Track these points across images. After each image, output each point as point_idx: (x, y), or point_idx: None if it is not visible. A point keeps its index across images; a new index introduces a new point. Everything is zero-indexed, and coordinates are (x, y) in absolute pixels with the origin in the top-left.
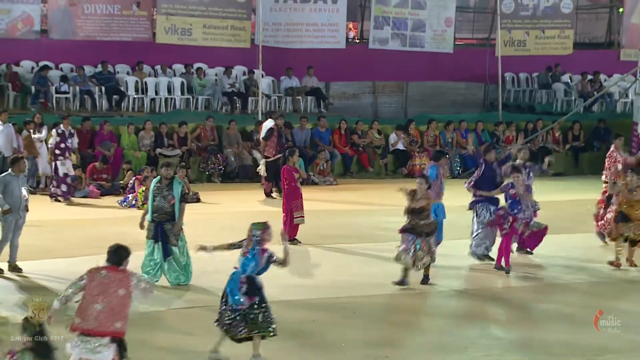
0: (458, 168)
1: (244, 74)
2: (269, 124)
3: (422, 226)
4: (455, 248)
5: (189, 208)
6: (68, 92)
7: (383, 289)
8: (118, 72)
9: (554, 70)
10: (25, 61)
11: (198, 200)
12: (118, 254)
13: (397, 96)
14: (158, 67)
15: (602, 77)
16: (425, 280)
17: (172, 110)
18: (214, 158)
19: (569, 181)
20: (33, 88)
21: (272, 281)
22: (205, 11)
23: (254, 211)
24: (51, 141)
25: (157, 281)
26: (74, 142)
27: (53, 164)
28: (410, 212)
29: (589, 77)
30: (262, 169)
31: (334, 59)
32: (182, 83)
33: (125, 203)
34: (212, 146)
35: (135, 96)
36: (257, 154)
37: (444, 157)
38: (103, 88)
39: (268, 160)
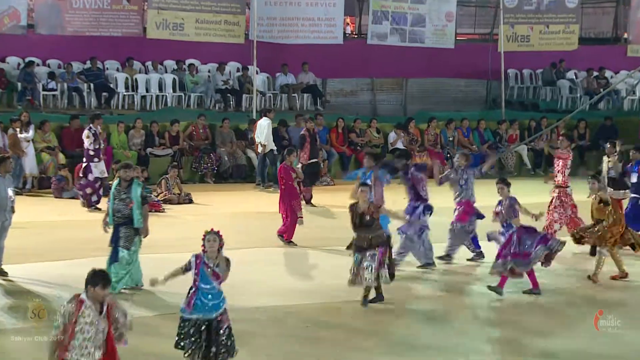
0: None
1: (238, 70)
2: (264, 122)
3: (372, 240)
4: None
5: (182, 209)
6: (56, 89)
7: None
8: (107, 69)
9: (558, 67)
10: (11, 57)
11: (190, 202)
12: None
13: (397, 93)
14: (149, 63)
15: (609, 73)
16: (378, 297)
17: (163, 107)
18: (207, 157)
19: (575, 182)
20: (19, 85)
21: (269, 284)
22: (197, 5)
23: (249, 212)
24: (86, 143)
25: (141, 285)
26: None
27: (84, 166)
28: (358, 225)
29: (595, 73)
30: (299, 174)
31: (331, 55)
32: (174, 80)
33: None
34: (205, 145)
35: (125, 93)
36: (251, 153)
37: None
38: (92, 85)
39: (304, 164)
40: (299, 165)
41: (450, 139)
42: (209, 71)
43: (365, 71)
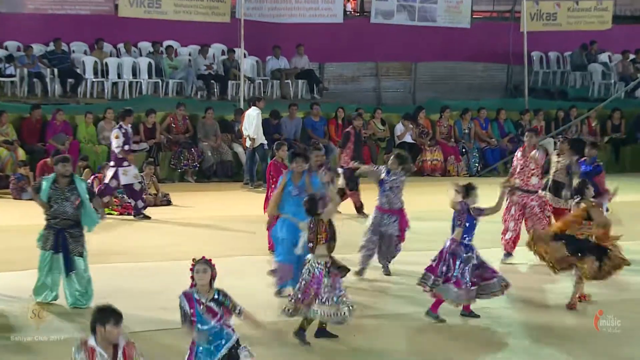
0: (477, 165)
1: (223, 53)
2: (252, 112)
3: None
4: None
5: (159, 212)
6: (14, 75)
7: (386, 307)
8: (74, 52)
9: (589, 49)
10: None
11: (169, 203)
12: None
13: (404, 79)
14: (121, 45)
15: None
16: (317, 333)
17: (137, 96)
18: (188, 153)
19: (609, 179)
20: None
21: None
22: None
23: (235, 215)
24: (115, 143)
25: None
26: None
27: (112, 170)
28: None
29: (631, 56)
30: (340, 181)
31: (330, 36)
32: (150, 64)
33: None
34: (185, 139)
35: (94, 80)
36: (238, 148)
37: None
38: (56, 70)
39: (345, 168)
40: (340, 170)
41: (466, 131)
42: (189, 54)
43: (369, 54)
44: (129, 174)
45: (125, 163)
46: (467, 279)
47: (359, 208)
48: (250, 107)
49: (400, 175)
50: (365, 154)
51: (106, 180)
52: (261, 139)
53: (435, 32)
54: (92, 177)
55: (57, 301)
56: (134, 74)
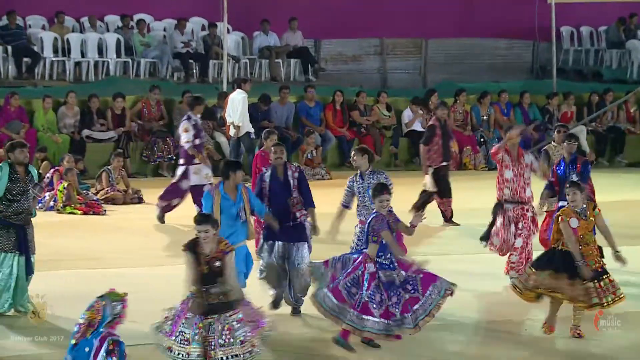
0: None
1: (203, 28)
2: (237, 96)
3: (214, 300)
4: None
5: (129, 211)
6: None
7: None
8: (30, 27)
9: (628, 23)
10: None
11: (140, 201)
12: None
13: (414, 59)
14: (84, 19)
15: None
16: None
17: (104, 78)
18: (162, 143)
19: None
20: None
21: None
22: None
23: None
24: (185, 137)
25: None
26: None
27: (182, 169)
28: (200, 278)
29: None
30: (428, 183)
31: (327, 9)
32: (118, 41)
33: (40, 204)
34: (160, 127)
35: (53, 59)
36: (221, 137)
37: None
38: (9, 48)
39: (435, 168)
40: (430, 169)
41: (485, 117)
42: (164, 29)
43: (372, 29)
44: (201, 174)
45: (196, 161)
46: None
47: (449, 218)
48: (234, 89)
49: (379, 174)
50: (368, 142)
51: (174, 180)
52: (247, 127)
53: (450, 3)
54: (52, 170)
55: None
56: (100, 53)
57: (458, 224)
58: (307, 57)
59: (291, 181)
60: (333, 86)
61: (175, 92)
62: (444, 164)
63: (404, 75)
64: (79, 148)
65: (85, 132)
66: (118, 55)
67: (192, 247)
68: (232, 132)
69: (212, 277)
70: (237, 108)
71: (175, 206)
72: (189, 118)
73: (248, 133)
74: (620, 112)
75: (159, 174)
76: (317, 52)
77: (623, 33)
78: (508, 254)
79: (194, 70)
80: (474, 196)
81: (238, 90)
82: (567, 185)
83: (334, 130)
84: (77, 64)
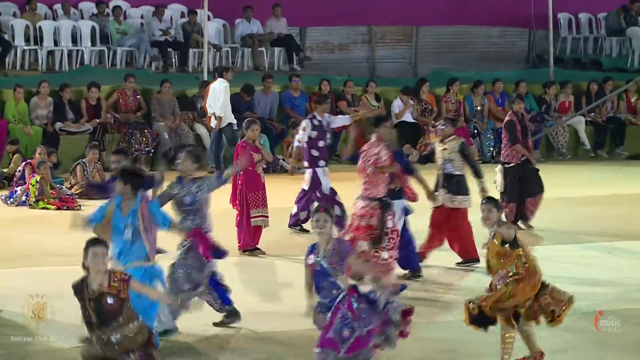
0: (492, 149)
1: (182, 15)
2: (219, 85)
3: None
4: None
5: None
6: None
7: None
8: (0, 14)
9: (629, 9)
10: None
11: None
12: None
13: (404, 48)
14: (58, 6)
15: None
16: None
17: (78, 67)
18: (140, 135)
19: None
20: None
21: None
22: None
23: None
24: (299, 136)
25: None
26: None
27: (309, 173)
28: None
29: None
30: (499, 182)
31: None
32: (93, 29)
33: (12, 199)
34: (137, 118)
35: (25, 47)
36: (201, 129)
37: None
38: None
39: (508, 166)
40: (499, 168)
41: (479, 108)
42: (141, 17)
43: (360, 17)
44: (328, 177)
45: (322, 163)
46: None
47: (528, 216)
48: (215, 79)
49: (203, 187)
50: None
51: (305, 187)
52: (229, 118)
53: None
54: (24, 163)
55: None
56: (74, 41)
57: (532, 227)
58: (291, 45)
59: None
60: (319, 75)
61: (153, 82)
62: (517, 161)
63: (393, 64)
64: (52, 140)
65: (59, 124)
66: (93, 43)
67: (79, 285)
68: (213, 123)
69: (106, 319)
70: (218, 98)
71: (299, 219)
72: (312, 117)
73: (230, 124)
74: (620, 101)
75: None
76: (302, 41)
77: (623, 20)
78: None
79: (173, 60)
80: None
81: (219, 80)
82: (483, 202)
83: None
84: (50, 53)
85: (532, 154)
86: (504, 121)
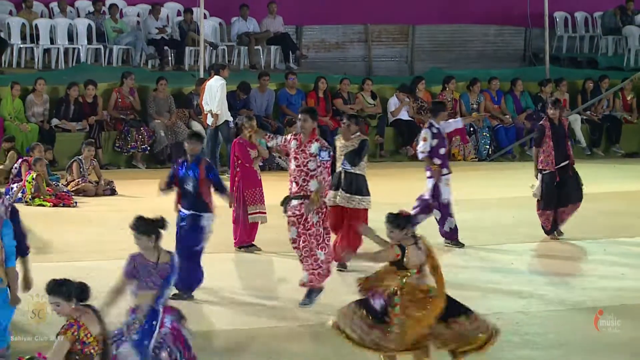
0: (488, 147)
1: (179, 14)
2: (215, 83)
3: None
4: None
5: (101, 203)
6: None
7: None
8: None
9: (625, 8)
10: None
11: (113, 193)
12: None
13: (400, 46)
14: (54, 4)
15: None
16: None
17: (75, 65)
18: (136, 133)
19: None
20: None
21: (221, 301)
22: None
23: None
24: (421, 147)
25: None
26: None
27: (431, 182)
28: None
29: None
30: (536, 188)
31: None
32: (89, 27)
33: (8, 196)
34: (133, 116)
35: (21, 45)
36: (197, 126)
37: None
38: None
39: (544, 173)
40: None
41: (475, 105)
42: (138, 15)
43: (357, 15)
44: (450, 186)
45: (445, 170)
46: None
47: (550, 231)
48: (212, 76)
49: None
50: None
51: (426, 196)
52: (226, 116)
53: None
54: (20, 160)
55: None
56: (70, 39)
57: (562, 234)
58: (288, 44)
59: None
60: (315, 73)
61: (149, 79)
62: (562, 164)
63: (389, 63)
64: (48, 137)
65: (54, 121)
66: (89, 41)
67: None
68: (209, 120)
69: None
70: (215, 95)
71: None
72: (430, 126)
73: (227, 122)
74: (616, 100)
75: (133, 165)
76: (299, 39)
77: (619, 19)
78: None
79: (169, 58)
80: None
81: (216, 77)
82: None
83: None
84: (46, 51)
85: (571, 159)
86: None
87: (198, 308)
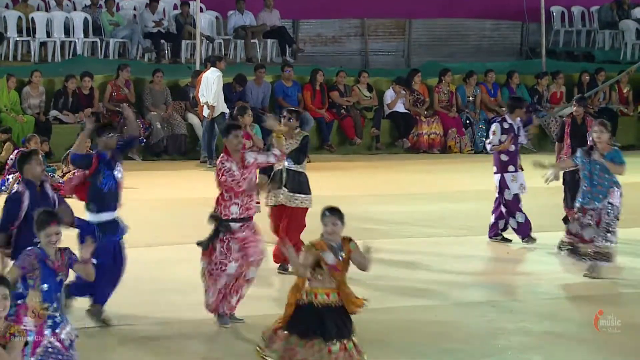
0: (483, 139)
1: (175, 7)
2: (212, 75)
3: None
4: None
5: None
6: None
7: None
8: None
9: (621, 2)
10: None
11: None
12: None
13: (397, 41)
14: None
15: None
16: None
17: (71, 58)
18: None
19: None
20: None
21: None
22: None
23: (187, 198)
24: (490, 140)
25: None
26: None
27: (497, 177)
28: None
29: None
30: (549, 174)
31: None
32: (86, 20)
33: (4, 187)
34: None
35: (17, 39)
36: (194, 119)
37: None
38: None
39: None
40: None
41: (471, 98)
42: (134, 8)
43: (353, 9)
44: (519, 180)
45: (512, 167)
46: None
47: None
48: (208, 68)
49: None
50: (348, 125)
51: (507, 196)
52: (222, 108)
53: None
54: (16, 152)
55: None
56: (67, 32)
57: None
58: (284, 37)
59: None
60: (312, 66)
61: (146, 72)
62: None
63: (386, 57)
64: (44, 129)
65: (51, 112)
66: (86, 35)
67: None
68: (205, 112)
69: None
70: (211, 87)
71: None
72: (502, 120)
73: (223, 114)
74: (612, 92)
75: (129, 157)
76: (295, 33)
77: (616, 13)
78: None
79: (166, 51)
80: (458, 179)
81: (212, 69)
82: (323, 214)
83: (313, 112)
84: (43, 44)
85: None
86: None
87: (190, 294)
